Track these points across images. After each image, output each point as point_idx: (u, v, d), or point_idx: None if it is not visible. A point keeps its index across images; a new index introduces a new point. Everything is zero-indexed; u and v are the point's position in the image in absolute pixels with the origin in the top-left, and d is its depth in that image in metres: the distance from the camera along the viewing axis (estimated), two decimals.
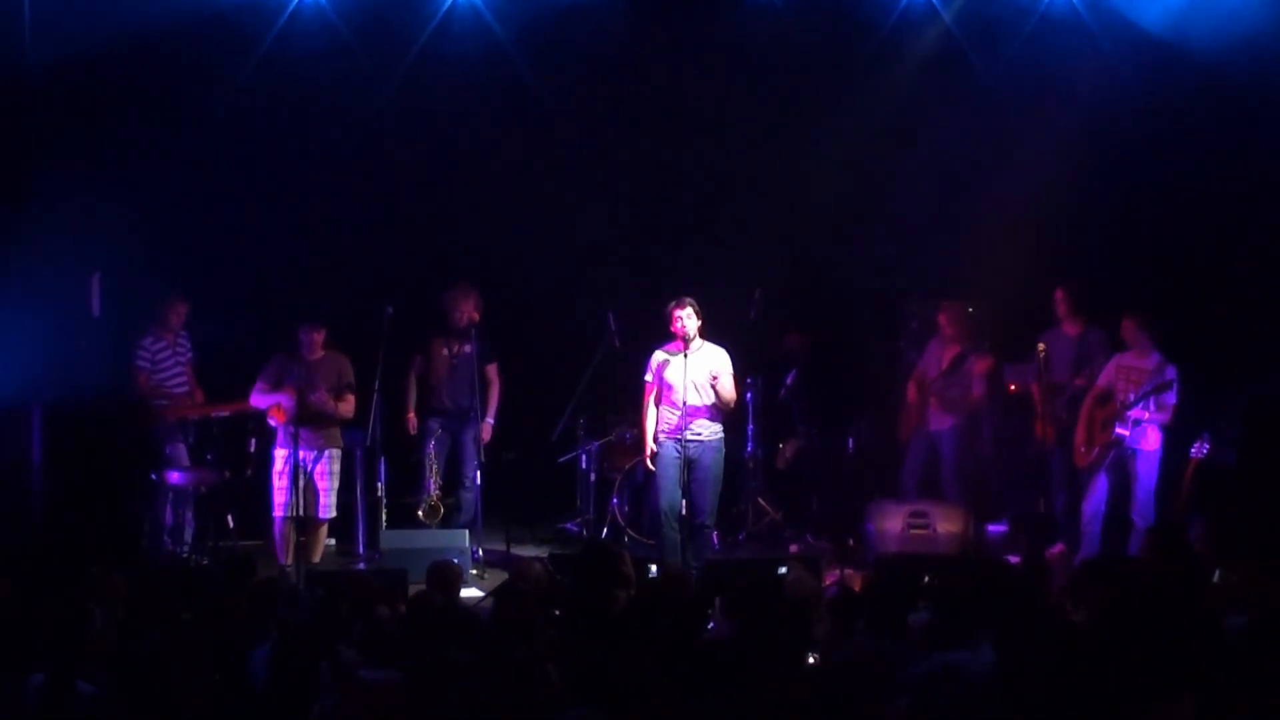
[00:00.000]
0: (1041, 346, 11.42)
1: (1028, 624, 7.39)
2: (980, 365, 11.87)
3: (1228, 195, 11.89)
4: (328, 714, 6.16)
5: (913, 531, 11.45)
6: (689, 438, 10.72)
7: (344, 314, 11.60)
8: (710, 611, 8.63)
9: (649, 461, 10.92)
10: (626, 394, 11.75)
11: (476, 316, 11.59)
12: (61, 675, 6.53)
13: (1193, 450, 10.70)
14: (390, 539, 11.20)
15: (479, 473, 11.66)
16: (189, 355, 11.59)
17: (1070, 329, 11.80)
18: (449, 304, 11.67)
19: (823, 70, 12.54)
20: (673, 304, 10.78)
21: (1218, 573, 8.51)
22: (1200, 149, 11.93)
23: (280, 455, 11.03)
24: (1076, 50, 12.35)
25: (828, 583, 9.64)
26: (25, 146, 10.83)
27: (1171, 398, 10.99)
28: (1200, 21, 11.74)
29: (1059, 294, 11.77)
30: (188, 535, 11.37)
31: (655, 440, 10.90)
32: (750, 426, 12.31)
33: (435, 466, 11.71)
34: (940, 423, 12.06)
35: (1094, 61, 12.34)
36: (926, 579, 8.41)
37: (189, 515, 11.37)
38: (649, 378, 10.95)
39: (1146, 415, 11.00)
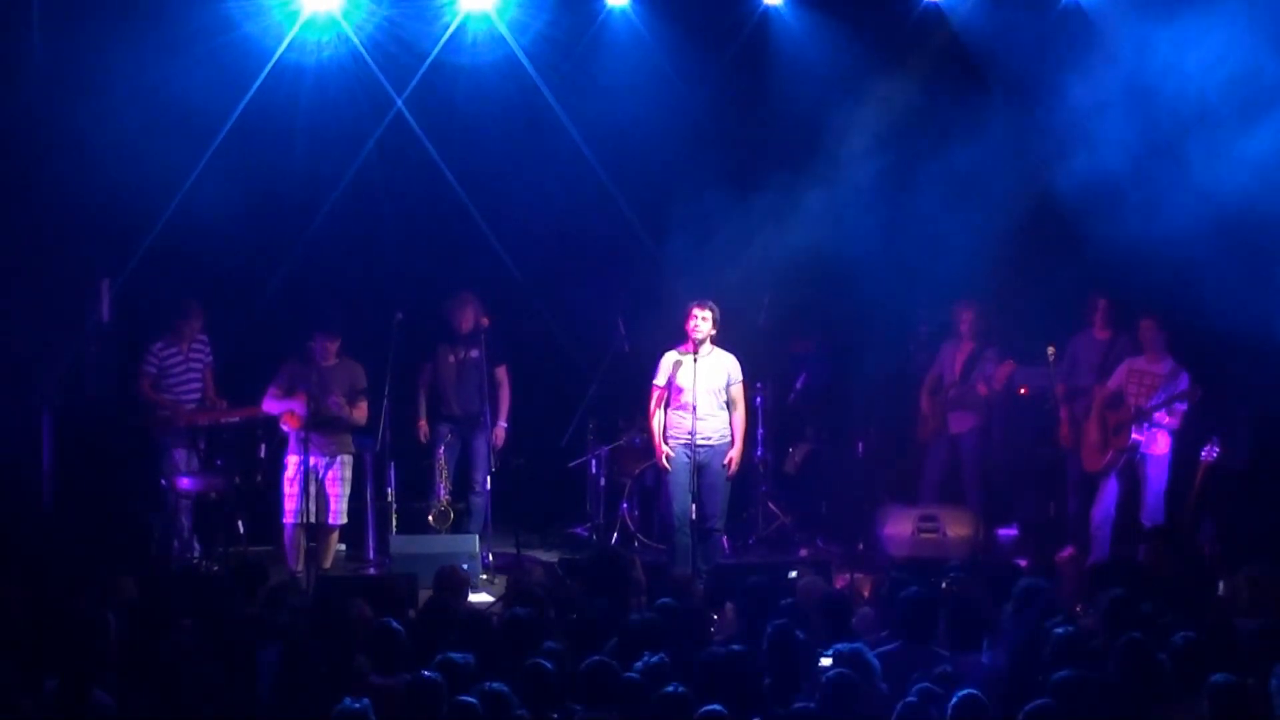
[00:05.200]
0: (1051, 349, 11.43)
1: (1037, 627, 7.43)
2: (1002, 370, 11.84)
3: (1233, 194, 11.84)
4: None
5: (922, 536, 11.47)
6: (699, 442, 10.74)
7: (354, 320, 11.62)
8: (718, 616, 8.67)
9: (664, 461, 10.92)
10: (636, 399, 11.75)
11: (486, 321, 11.60)
12: (76, 681, 6.54)
13: (1203, 454, 10.72)
14: (400, 544, 11.20)
15: (488, 478, 11.68)
16: (207, 361, 11.55)
17: (1101, 334, 11.79)
18: (449, 312, 11.71)
19: (831, 76, 12.52)
20: (694, 302, 10.82)
21: (1221, 584, 8.48)
22: (1207, 150, 11.89)
23: (292, 461, 11.04)
24: (1084, 53, 12.32)
25: (837, 587, 9.62)
26: (34, 152, 10.83)
27: (1183, 406, 11.01)
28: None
29: (1101, 302, 11.73)
30: (195, 542, 11.37)
31: (665, 444, 10.92)
32: (760, 431, 12.31)
33: (445, 471, 11.72)
34: (961, 425, 12.05)
35: (1100, 63, 12.31)
36: (944, 584, 8.43)
37: (189, 522, 11.33)
38: (659, 381, 10.95)
39: (1162, 420, 11.02)
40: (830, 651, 7.03)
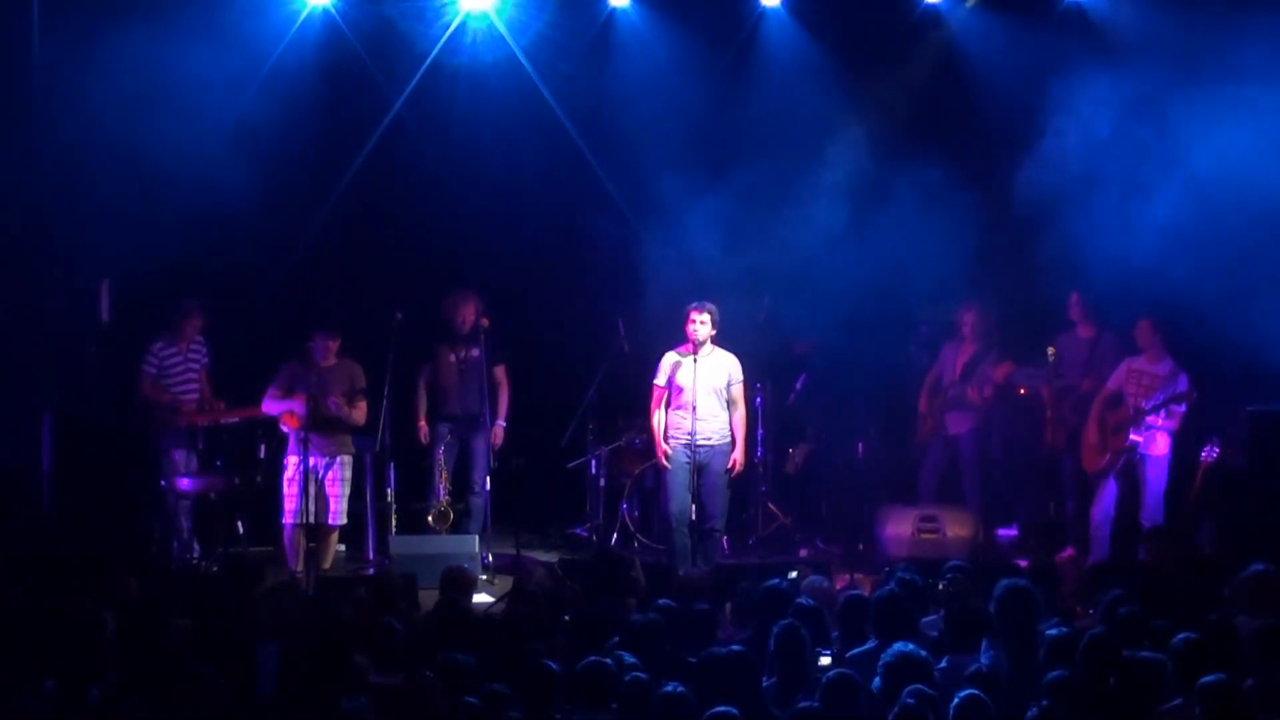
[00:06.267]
0: (1052, 350, 11.43)
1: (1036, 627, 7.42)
2: (1000, 371, 11.86)
3: (1232, 191, 11.85)
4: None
5: (922, 536, 11.48)
6: (700, 443, 10.74)
7: (354, 320, 11.61)
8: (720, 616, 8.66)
9: (663, 459, 10.93)
10: (636, 399, 11.76)
11: (486, 321, 11.59)
12: (74, 681, 6.54)
13: (1203, 454, 10.73)
14: (400, 545, 11.21)
15: (488, 478, 11.68)
16: (204, 362, 11.54)
17: (1084, 332, 11.81)
18: (449, 310, 11.71)
19: (829, 78, 12.55)
20: (693, 305, 10.84)
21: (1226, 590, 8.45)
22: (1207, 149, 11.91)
23: (292, 462, 11.04)
24: (1079, 53, 12.35)
25: (838, 587, 9.62)
26: (35, 152, 10.83)
27: (1182, 408, 11.01)
28: None
29: (1073, 298, 11.77)
30: (194, 543, 11.36)
31: (665, 444, 10.92)
32: (760, 431, 12.30)
33: (444, 472, 11.72)
34: (958, 426, 12.07)
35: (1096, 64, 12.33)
36: (941, 585, 8.42)
37: (188, 522, 11.33)
38: (660, 381, 10.97)
39: (1159, 422, 11.02)
40: (890, 655, 6.94)
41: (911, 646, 6.90)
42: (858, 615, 7.92)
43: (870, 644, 7.49)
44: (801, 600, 7.90)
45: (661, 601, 8.12)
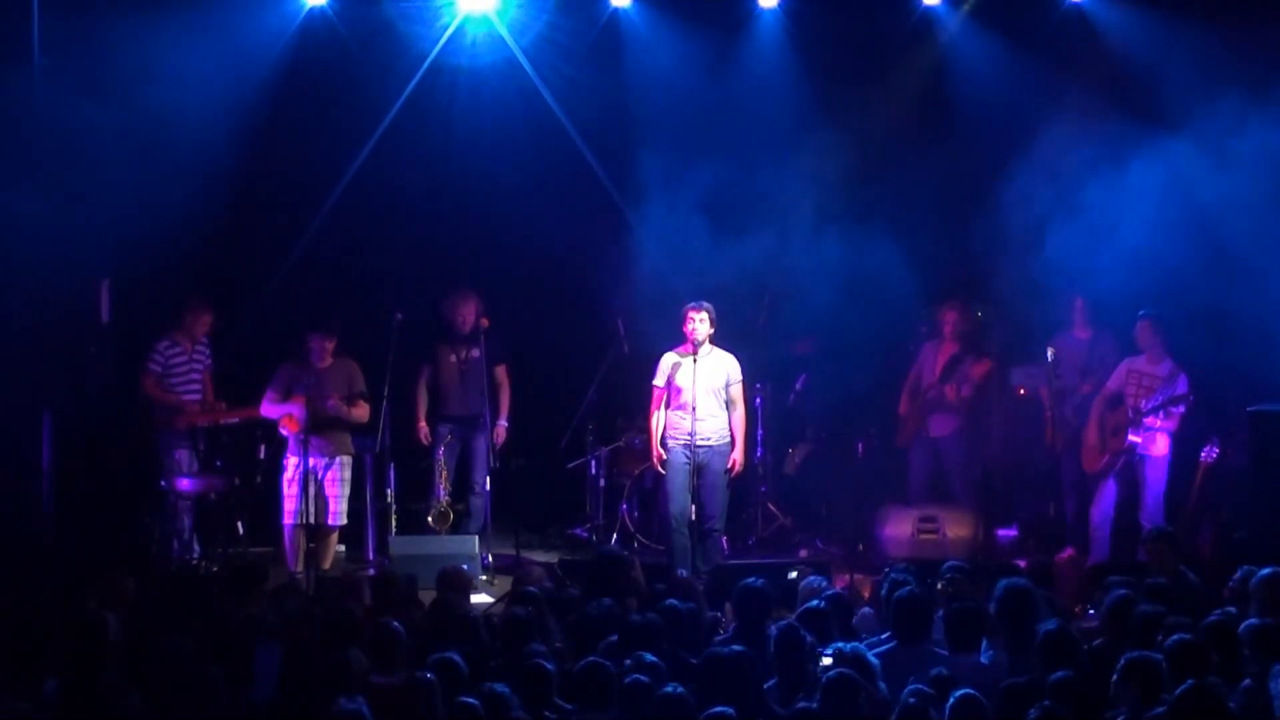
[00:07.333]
0: (1051, 350, 11.43)
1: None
2: (978, 369, 11.88)
3: (1232, 191, 11.86)
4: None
5: (922, 536, 11.50)
6: (699, 443, 10.75)
7: (353, 321, 11.62)
8: (720, 616, 8.67)
9: (658, 465, 10.95)
10: (635, 400, 11.76)
11: (486, 321, 11.59)
12: (77, 681, 6.55)
13: (1203, 455, 10.72)
14: (400, 545, 11.20)
15: (488, 478, 11.68)
16: (207, 364, 11.53)
17: (1082, 333, 11.83)
18: (449, 310, 11.71)
19: (830, 75, 12.56)
20: (690, 305, 10.85)
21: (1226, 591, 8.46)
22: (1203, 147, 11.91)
23: (291, 462, 11.05)
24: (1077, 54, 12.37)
25: (837, 587, 9.62)
26: (34, 152, 10.83)
27: (1181, 409, 11.01)
28: None
29: (1078, 303, 11.77)
30: (195, 543, 11.36)
31: (664, 446, 10.93)
32: (760, 431, 12.31)
33: (445, 472, 11.72)
34: (941, 428, 12.07)
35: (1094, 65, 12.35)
36: (940, 585, 8.43)
37: (189, 523, 11.33)
38: (659, 382, 10.97)
39: (1158, 423, 11.03)
40: (830, 650, 7.04)
41: (852, 645, 6.97)
42: (842, 612, 8.02)
43: (890, 644, 7.50)
44: (816, 603, 7.92)
45: (668, 603, 8.11)
